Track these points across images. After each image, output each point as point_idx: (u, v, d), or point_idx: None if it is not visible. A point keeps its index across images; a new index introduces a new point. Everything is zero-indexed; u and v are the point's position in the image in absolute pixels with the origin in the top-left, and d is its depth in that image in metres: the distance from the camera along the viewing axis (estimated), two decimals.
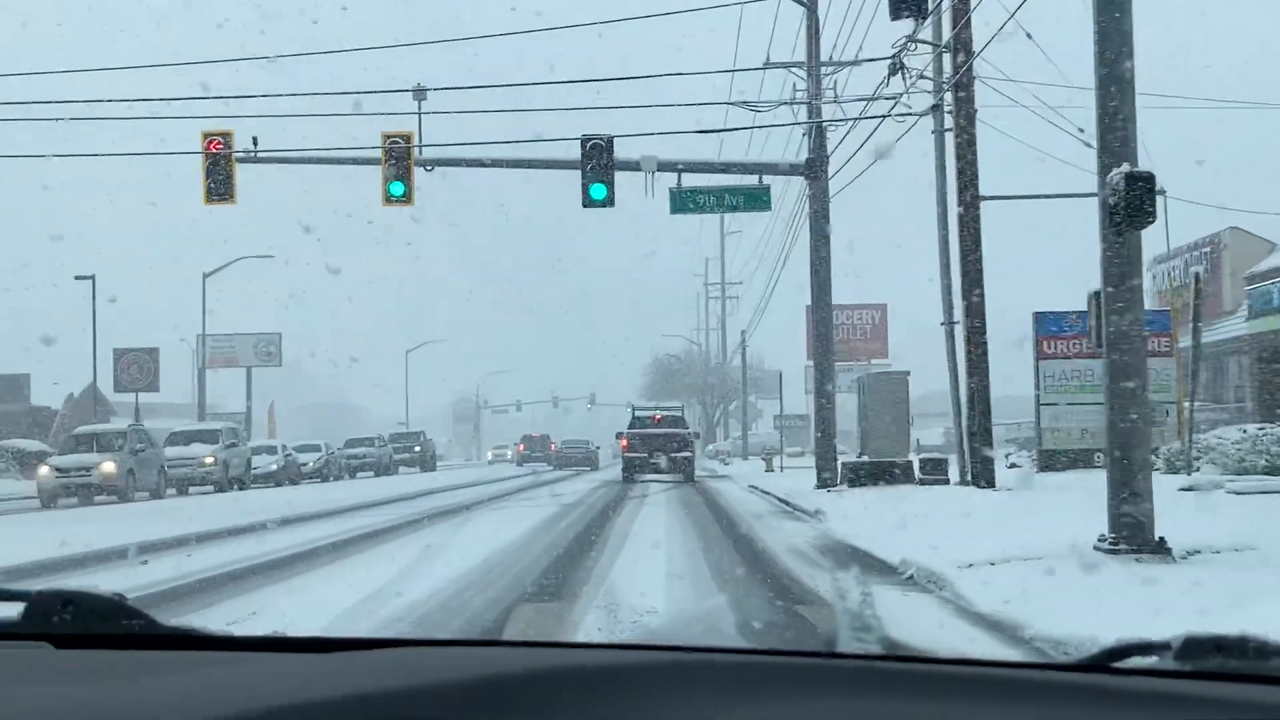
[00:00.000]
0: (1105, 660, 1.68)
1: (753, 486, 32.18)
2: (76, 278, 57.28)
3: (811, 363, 76.39)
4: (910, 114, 23.08)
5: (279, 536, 18.04)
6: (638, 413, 42.96)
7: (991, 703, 1.53)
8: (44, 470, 31.79)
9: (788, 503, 23.77)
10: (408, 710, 1.41)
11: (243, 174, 26.12)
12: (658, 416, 41.83)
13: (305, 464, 48.91)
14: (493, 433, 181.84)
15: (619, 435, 41.35)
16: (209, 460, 36.50)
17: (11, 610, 1.87)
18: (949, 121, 23.38)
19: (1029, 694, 1.57)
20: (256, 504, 27.71)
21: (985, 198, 22.94)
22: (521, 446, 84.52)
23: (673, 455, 38.63)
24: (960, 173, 22.58)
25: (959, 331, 23.42)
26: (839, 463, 27.60)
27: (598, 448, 73.18)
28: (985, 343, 22.67)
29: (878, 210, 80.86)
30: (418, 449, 61.49)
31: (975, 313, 22.48)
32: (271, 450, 45.40)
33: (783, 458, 44.79)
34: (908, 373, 31.25)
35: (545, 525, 19.03)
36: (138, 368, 66.89)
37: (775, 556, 13.81)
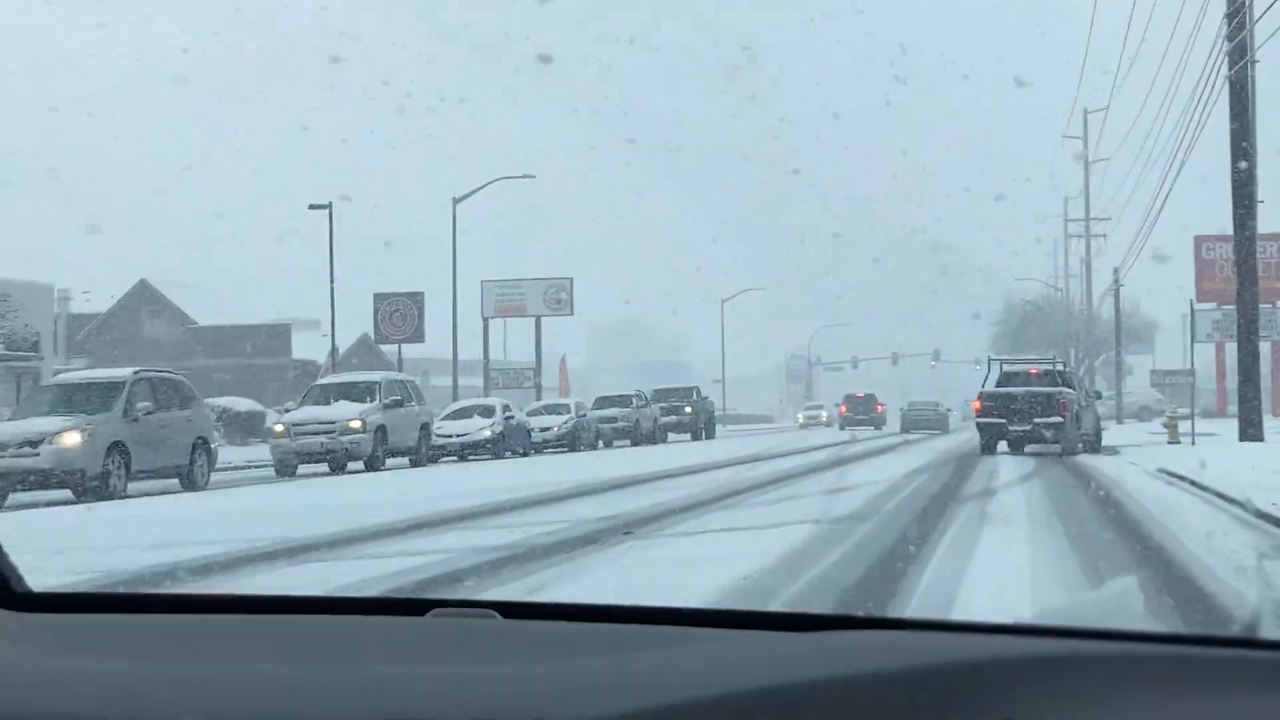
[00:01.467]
0: None
1: (1168, 474, 19.69)
2: (311, 207, 48.79)
3: (1214, 306, 61.39)
4: None
5: None
6: (1005, 367, 32.03)
7: None
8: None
9: None
10: (888, 694, 1.42)
11: None
12: (1032, 370, 30.80)
13: (548, 429, 38.65)
14: (829, 392, 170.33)
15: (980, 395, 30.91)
16: (354, 425, 26.16)
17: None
18: None
19: None
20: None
21: None
22: (843, 407, 72.95)
23: (1046, 421, 28.63)
24: None
25: None
26: None
27: (948, 409, 66.59)
28: None
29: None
30: (688, 410, 50.19)
31: None
32: (487, 411, 34.76)
33: (1193, 423, 31.46)
34: None
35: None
36: (400, 315, 58.52)
37: None
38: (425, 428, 29.12)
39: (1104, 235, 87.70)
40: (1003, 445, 29.43)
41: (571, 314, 72.83)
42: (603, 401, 47.21)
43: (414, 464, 28.39)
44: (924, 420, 60.36)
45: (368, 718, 1.32)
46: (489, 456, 32.14)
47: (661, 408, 49.05)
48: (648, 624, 1.78)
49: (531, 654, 1.57)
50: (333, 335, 48.45)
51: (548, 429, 38.48)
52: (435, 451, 30.58)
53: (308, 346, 63.91)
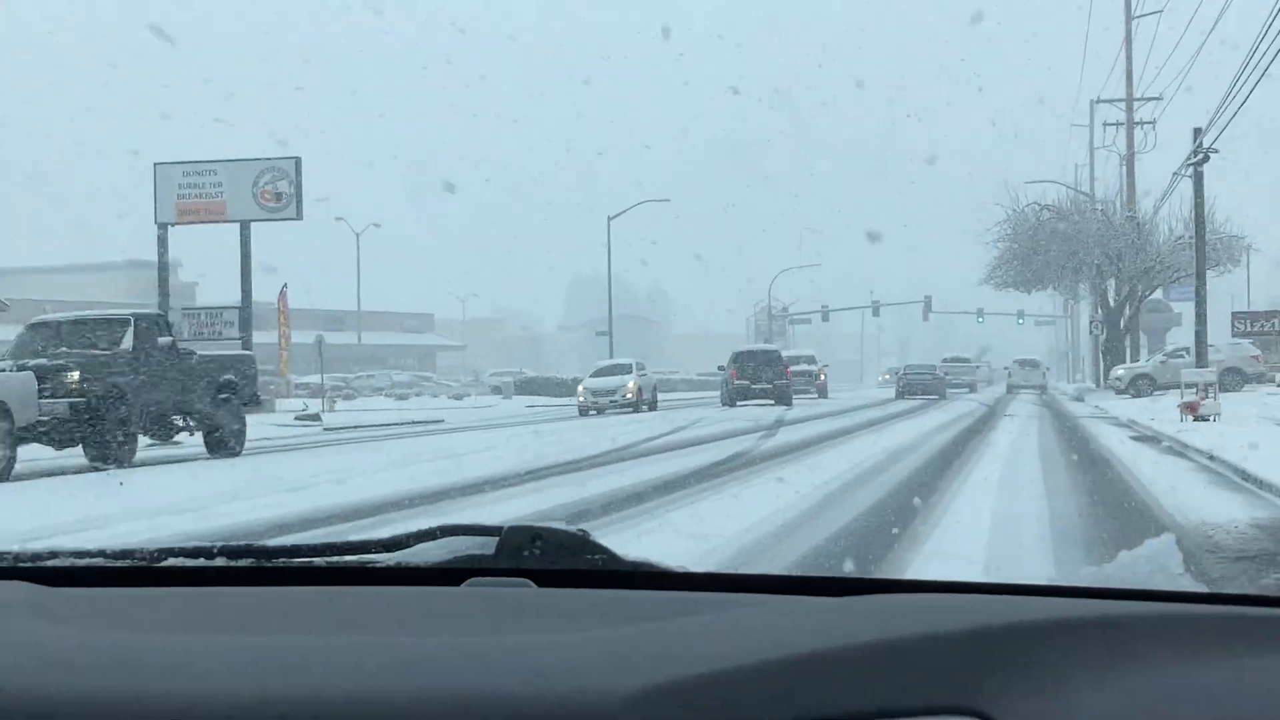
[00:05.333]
0: None
1: None
2: None
3: None
4: None
5: None
6: None
7: None
8: None
9: None
10: (927, 658, 1.41)
11: None
12: None
13: None
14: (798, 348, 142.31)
15: None
16: None
17: (485, 544, 1.86)
18: None
19: None
20: None
21: None
22: (734, 371, 45.32)
23: None
24: None
25: None
26: None
27: (945, 374, 60.08)
28: None
29: None
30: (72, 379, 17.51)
31: None
32: None
33: None
34: None
35: None
36: None
37: None
38: None
39: (1152, 123, 59.67)
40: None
41: (299, 217, 44.60)
42: None
43: None
44: (920, 385, 55.75)
45: (400, 689, 1.30)
46: None
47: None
48: (684, 590, 1.80)
49: (567, 623, 1.57)
50: None
51: None
52: None
53: None
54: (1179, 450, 18.88)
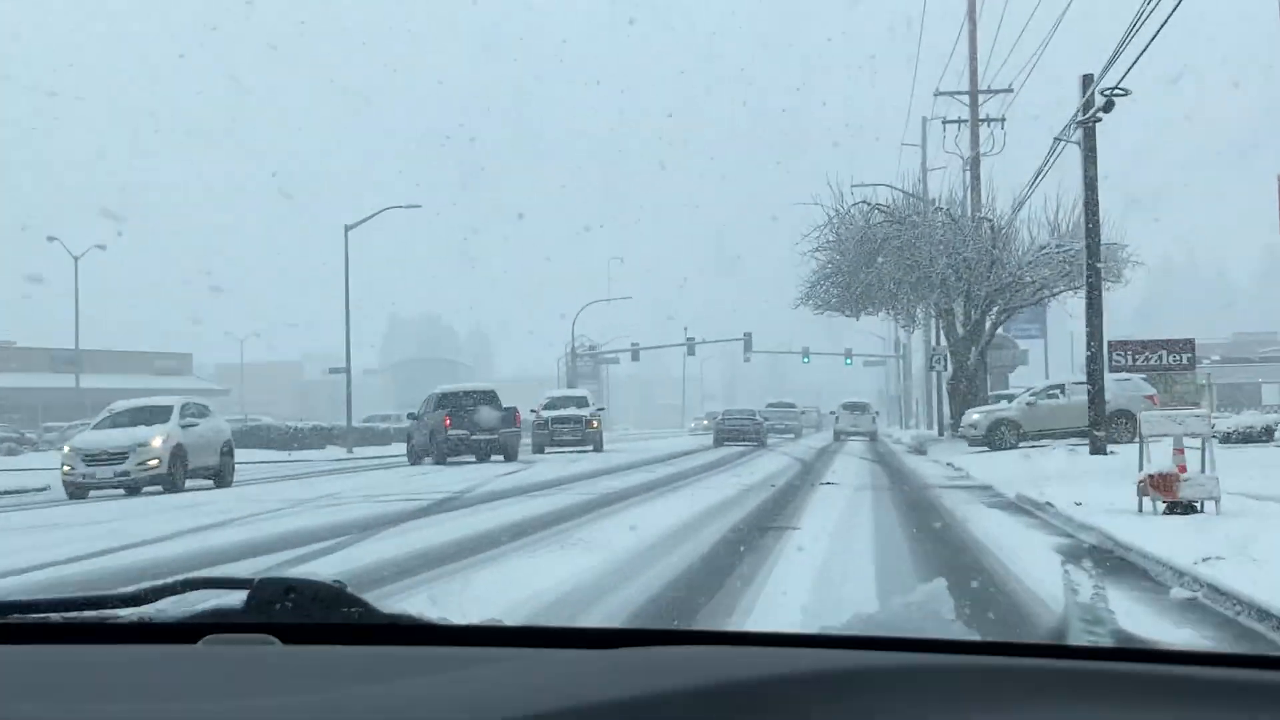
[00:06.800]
0: None
1: None
2: None
3: None
4: None
5: None
6: None
7: (1254, 709, 1.42)
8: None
9: None
10: (650, 715, 1.38)
11: None
12: None
13: None
14: (618, 397, 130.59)
15: None
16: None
17: (233, 598, 1.77)
18: None
19: None
20: None
21: None
22: (446, 419, 32.99)
23: None
24: None
25: None
26: None
27: (764, 419, 55.59)
28: None
29: None
30: None
31: None
32: None
33: None
34: None
35: None
36: None
37: None
38: None
39: (1001, 120, 48.90)
40: None
41: None
42: None
43: None
44: (739, 431, 51.17)
45: None
46: None
47: None
48: (436, 644, 1.73)
49: (305, 683, 1.49)
50: None
51: None
52: None
53: None
54: None
